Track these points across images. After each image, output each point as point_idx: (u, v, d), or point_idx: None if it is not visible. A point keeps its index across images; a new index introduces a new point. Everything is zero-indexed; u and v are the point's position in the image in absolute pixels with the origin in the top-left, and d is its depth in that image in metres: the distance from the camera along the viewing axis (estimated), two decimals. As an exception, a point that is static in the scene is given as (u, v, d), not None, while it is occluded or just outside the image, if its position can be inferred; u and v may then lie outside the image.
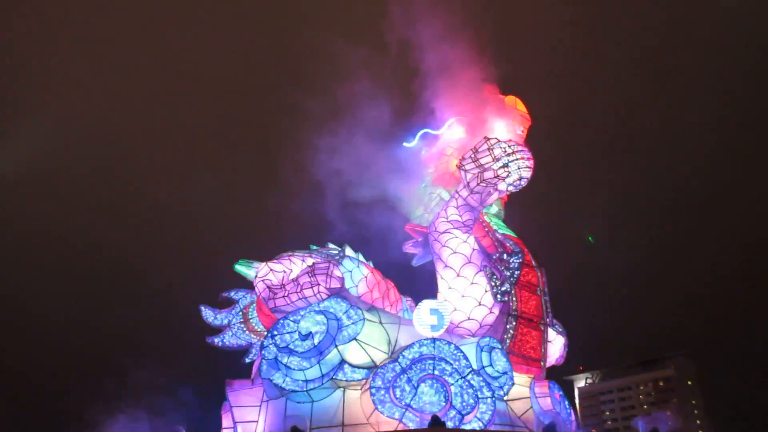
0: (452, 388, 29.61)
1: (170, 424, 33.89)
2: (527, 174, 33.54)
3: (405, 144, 42.39)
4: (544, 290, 36.88)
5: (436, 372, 29.82)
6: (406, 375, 29.51)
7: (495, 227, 37.68)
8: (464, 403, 29.26)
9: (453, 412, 28.93)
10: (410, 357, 30.14)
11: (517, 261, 35.05)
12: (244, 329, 38.04)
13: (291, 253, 36.76)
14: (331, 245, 39.35)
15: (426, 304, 31.94)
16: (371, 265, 39.77)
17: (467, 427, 29.24)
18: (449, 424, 28.71)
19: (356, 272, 37.78)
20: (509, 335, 34.32)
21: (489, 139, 34.09)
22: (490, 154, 33.30)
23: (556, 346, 36.89)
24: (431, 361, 29.98)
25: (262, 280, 34.51)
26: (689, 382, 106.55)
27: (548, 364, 37.46)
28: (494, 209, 40.35)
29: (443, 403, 29.06)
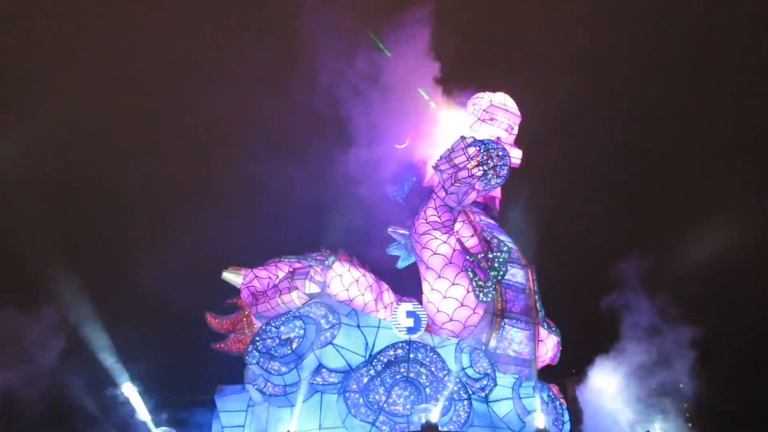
0: (427, 390, 29.50)
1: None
2: (503, 172, 33.12)
3: (397, 146, 42.23)
4: (533, 289, 36.32)
5: (411, 374, 29.75)
6: (379, 378, 29.54)
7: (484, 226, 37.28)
8: (437, 405, 29.06)
9: (426, 415, 28.81)
10: (385, 360, 30.17)
11: (503, 260, 34.59)
12: (248, 334, 38.61)
13: (279, 259, 37.19)
14: (324, 250, 39.62)
15: (403, 306, 31.93)
16: (367, 267, 39.90)
17: (443, 429, 29.04)
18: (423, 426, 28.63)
19: (347, 276, 37.90)
20: (494, 336, 33.94)
21: (465, 137, 33.79)
22: (464, 153, 33.00)
23: (548, 345, 36.21)
24: (405, 364, 29.93)
25: (247, 287, 35.08)
26: (680, 386, 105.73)
27: (541, 364, 36.92)
28: (488, 208, 39.98)
29: (417, 406, 28.95)
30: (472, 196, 34.16)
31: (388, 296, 39.31)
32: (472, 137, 34.00)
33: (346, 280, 37.82)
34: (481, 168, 32.73)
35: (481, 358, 31.79)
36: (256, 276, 35.42)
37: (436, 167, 34.06)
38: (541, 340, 35.88)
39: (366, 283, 38.54)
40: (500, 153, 32.99)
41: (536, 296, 36.35)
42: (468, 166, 32.89)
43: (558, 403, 34.41)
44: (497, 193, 41.03)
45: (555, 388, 36.72)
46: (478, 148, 32.85)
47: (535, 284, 36.59)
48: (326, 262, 37.86)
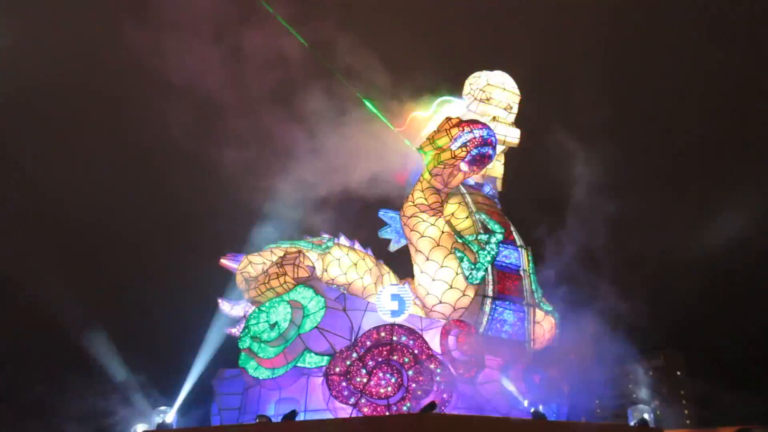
0: (409, 373, 29.53)
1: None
2: (487, 151, 32.54)
3: (395, 129, 42.00)
4: (528, 270, 35.76)
5: (394, 357, 29.82)
6: (361, 361, 29.74)
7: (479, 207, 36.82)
8: (420, 388, 29.08)
9: (408, 397, 28.91)
10: (367, 343, 30.33)
11: (495, 241, 34.19)
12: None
13: (275, 245, 37.78)
14: (324, 234, 40.00)
15: (387, 289, 32.04)
16: (369, 251, 40.08)
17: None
18: (404, 409, 28.76)
19: (345, 260, 38.35)
20: (485, 318, 33.64)
21: (450, 118, 33.38)
22: (447, 134, 32.59)
23: (544, 327, 35.63)
24: (387, 347, 30.02)
25: (241, 273, 35.80)
26: (678, 373, 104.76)
27: (540, 346, 36.40)
28: (487, 188, 39.46)
29: (398, 389, 29.04)
30: (459, 177, 33.74)
31: (390, 279, 39.46)
32: (458, 118, 33.59)
33: (344, 264, 38.22)
34: (464, 149, 32.28)
35: (467, 340, 31.57)
36: (250, 262, 36.12)
37: (420, 149, 33.81)
38: (538, 322, 35.35)
39: (365, 266, 38.80)
40: (485, 134, 32.42)
41: (531, 277, 35.83)
42: (451, 147, 32.49)
43: (554, 385, 33.97)
44: (498, 172, 40.50)
45: (554, 371, 36.24)
46: (461, 129, 32.38)
47: (530, 265, 36.06)
48: (323, 247, 38.35)
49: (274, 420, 30.11)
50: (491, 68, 40.63)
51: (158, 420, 33.13)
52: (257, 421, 30.54)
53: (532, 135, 40.35)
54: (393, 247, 38.65)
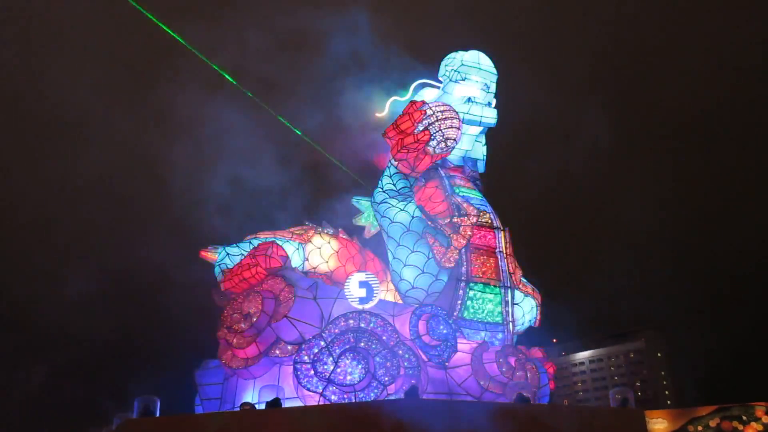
0: (376, 359, 29.50)
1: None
2: (452, 134, 32.07)
3: (377, 114, 41.71)
4: (506, 252, 35.29)
5: (362, 344, 29.81)
6: (328, 350, 29.80)
7: (455, 190, 36.42)
8: (387, 374, 29.04)
9: (375, 383, 28.92)
10: (335, 331, 30.37)
11: (468, 224, 33.84)
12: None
13: (254, 236, 37.98)
14: (308, 223, 40.12)
15: (356, 276, 31.95)
16: (354, 239, 40.08)
17: (394, 397, 29.01)
18: (372, 396, 28.79)
19: (326, 248, 38.42)
20: (460, 301, 33.39)
21: (414, 102, 32.99)
22: (410, 119, 32.22)
23: (524, 308, 35.21)
24: (354, 334, 30.02)
25: (219, 265, 36.13)
26: (659, 354, 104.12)
27: (522, 328, 36.07)
28: (467, 170, 38.99)
29: (364, 376, 29.04)
30: (426, 161, 33.33)
31: (374, 265, 39.37)
32: (422, 101, 33.16)
33: (325, 252, 38.27)
34: (427, 132, 31.87)
35: (439, 324, 31.36)
36: (228, 254, 36.40)
37: (384, 135, 33.52)
38: (517, 303, 34.95)
39: (347, 254, 38.79)
40: (448, 115, 31.96)
41: (509, 259, 35.36)
42: (414, 131, 32.12)
43: (532, 366, 33.54)
44: (479, 153, 39.90)
45: (538, 352, 35.82)
46: (423, 112, 31.98)
47: (508, 247, 35.58)
48: (304, 236, 38.48)
49: (257, 407, 30.45)
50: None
51: (141, 408, 33.66)
52: (241, 408, 30.91)
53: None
54: (367, 235, 38.59)
